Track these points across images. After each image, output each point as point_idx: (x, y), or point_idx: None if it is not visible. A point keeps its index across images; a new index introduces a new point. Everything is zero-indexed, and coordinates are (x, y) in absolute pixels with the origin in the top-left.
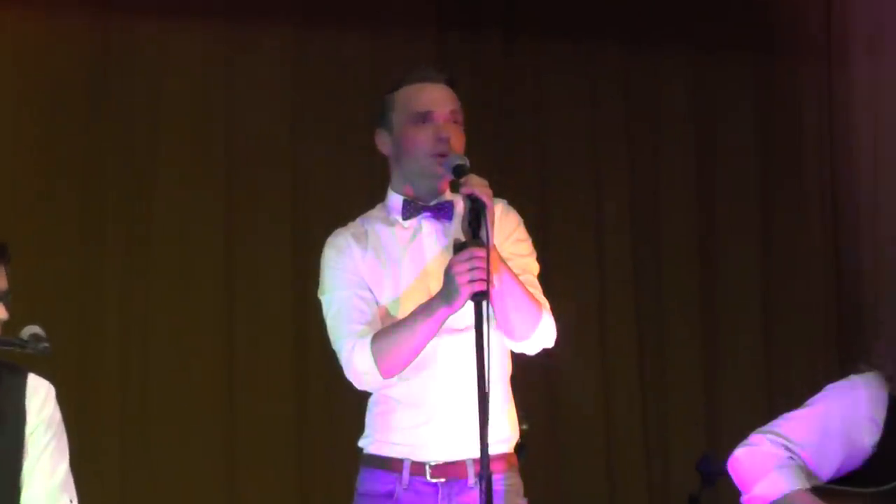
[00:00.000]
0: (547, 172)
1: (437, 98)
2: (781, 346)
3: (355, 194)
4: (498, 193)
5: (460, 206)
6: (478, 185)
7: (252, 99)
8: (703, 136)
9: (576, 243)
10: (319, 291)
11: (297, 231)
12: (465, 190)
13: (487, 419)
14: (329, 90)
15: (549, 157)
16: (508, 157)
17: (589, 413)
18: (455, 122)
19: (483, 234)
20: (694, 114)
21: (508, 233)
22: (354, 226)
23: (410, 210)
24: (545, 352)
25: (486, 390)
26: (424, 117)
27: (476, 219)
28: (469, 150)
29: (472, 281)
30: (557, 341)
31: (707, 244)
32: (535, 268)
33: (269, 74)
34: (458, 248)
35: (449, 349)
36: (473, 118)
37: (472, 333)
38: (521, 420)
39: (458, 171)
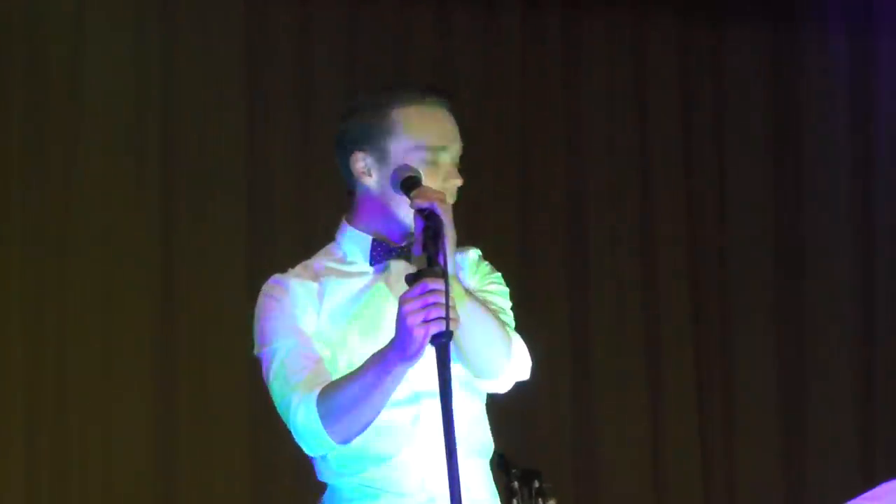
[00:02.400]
0: (582, 176)
1: (449, 132)
2: (887, 391)
3: (326, 199)
4: (521, 205)
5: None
6: (432, 198)
7: (196, 83)
8: (783, 128)
9: (618, 260)
10: (255, 348)
11: (254, 252)
12: (417, 203)
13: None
14: (293, 72)
15: (585, 155)
16: (532, 160)
17: (635, 482)
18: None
19: (441, 259)
20: (770, 100)
21: (484, 275)
22: (301, 273)
23: (381, 253)
24: (520, 386)
25: (455, 460)
26: (434, 157)
27: (433, 240)
28: (484, 152)
29: (426, 322)
30: (587, 391)
31: (789, 253)
32: (507, 305)
33: (217, 53)
34: (410, 280)
35: (425, 422)
36: (489, 108)
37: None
38: (547, 494)
39: (407, 185)
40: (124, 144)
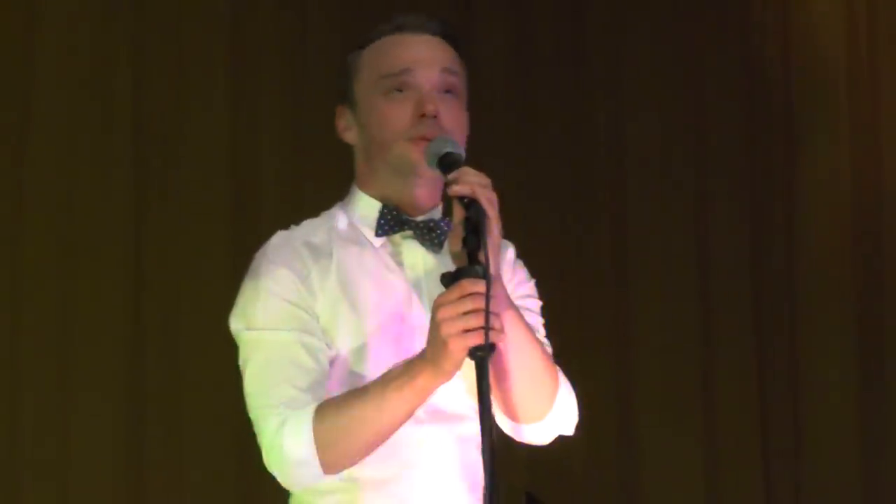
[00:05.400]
0: (628, 184)
1: (421, 54)
2: None
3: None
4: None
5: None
6: (474, 183)
7: (171, 76)
8: (862, 131)
9: (669, 280)
10: (238, 320)
11: (240, 263)
12: (455, 190)
13: None
14: (285, 61)
15: (630, 157)
16: (572, 161)
17: None
18: (449, 91)
19: (482, 256)
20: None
21: (518, 281)
22: (308, 230)
23: (389, 223)
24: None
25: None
26: (400, 82)
27: (474, 234)
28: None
29: (465, 331)
30: (579, 426)
31: (868, 272)
32: (544, 331)
33: (200, 39)
34: (447, 280)
35: (436, 446)
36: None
37: (473, 425)
38: None
39: (446, 163)
40: (88, 148)
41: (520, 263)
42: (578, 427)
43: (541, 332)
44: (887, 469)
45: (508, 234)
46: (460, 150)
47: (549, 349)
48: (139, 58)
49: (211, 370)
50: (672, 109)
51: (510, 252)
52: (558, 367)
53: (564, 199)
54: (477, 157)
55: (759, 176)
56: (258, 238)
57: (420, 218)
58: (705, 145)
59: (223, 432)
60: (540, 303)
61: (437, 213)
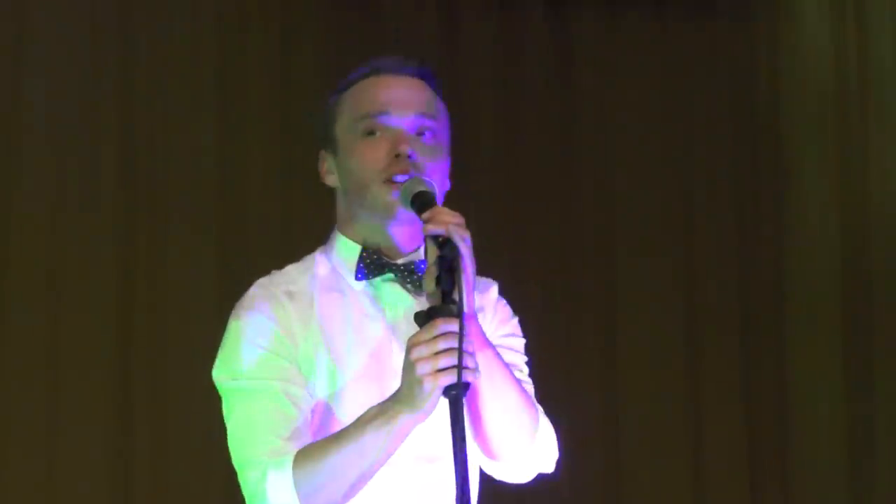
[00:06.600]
0: (612, 182)
1: (398, 96)
2: None
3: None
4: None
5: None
6: (447, 222)
7: (160, 85)
8: (846, 121)
9: (656, 296)
10: (220, 371)
11: (226, 286)
12: (428, 229)
13: None
14: (272, 77)
15: (619, 175)
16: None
17: None
18: (426, 132)
19: (457, 295)
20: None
21: (501, 319)
22: (288, 278)
23: (369, 267)
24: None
25: None
26: (376, 123)
27: (448, 273)
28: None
29: (439, 370)
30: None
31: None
32: (527, 369)
33: (186, 52)
34: (421, 320)
35: (417, 489)
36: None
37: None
38: None
39: (419, 203)
40: (72, 158)
41: (503, 302)
42: (559, 465)
43: (523, 371)
44: (875, 480)
45: (497, 247)
46: (434, 189)
47: (531, 388)
48: (127, 89)
49: (199, 391)
50: (661, 131)
51: (493, 289)
52: (539, 406)
53: (551, 217)
54: (460, 179)
55: (749, 195)
56: (246, 260)
57: (401, 261)
58: (694, 162)
59: (211, 459)
60: (523, 340)
61: (418, 255)
